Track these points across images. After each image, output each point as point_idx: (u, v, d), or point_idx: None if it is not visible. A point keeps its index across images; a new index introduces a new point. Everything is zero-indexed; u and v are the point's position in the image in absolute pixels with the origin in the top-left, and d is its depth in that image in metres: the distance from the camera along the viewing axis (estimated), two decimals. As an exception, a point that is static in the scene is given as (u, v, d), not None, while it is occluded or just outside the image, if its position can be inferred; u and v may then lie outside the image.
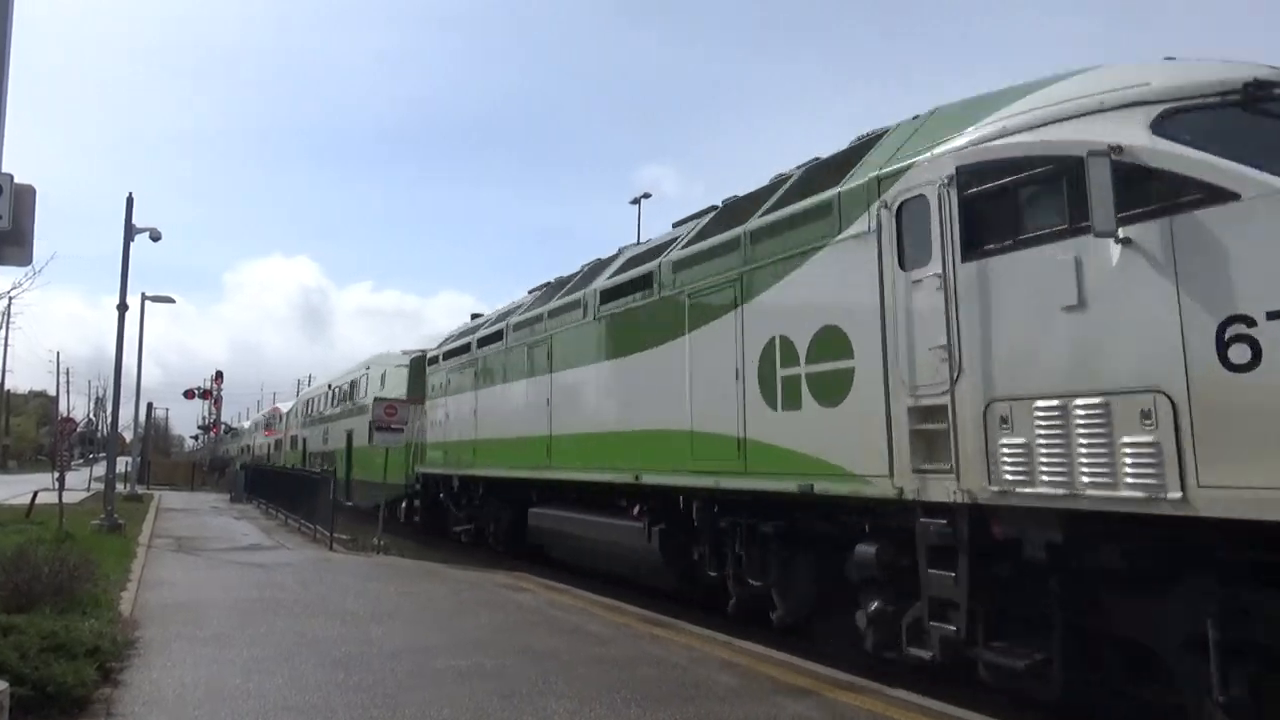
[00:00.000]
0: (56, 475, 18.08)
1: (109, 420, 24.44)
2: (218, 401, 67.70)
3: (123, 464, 34.89)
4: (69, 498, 18.29)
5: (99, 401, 59.90)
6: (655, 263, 9.73)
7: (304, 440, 34.08)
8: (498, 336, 14.33)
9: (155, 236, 20.12)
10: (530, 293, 14.87)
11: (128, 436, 40.36)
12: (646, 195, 33.65)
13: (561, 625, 8.50)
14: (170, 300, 29.21)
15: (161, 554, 14.22)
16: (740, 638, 7.86)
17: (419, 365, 19.37)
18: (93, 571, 8.68)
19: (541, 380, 12.31)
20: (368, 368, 24.82)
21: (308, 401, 35.44)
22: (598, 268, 12.05)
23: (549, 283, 14.17)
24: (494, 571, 12.99)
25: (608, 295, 10.74)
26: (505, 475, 13.50)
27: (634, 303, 10.04)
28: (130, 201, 19.52)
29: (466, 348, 15.86)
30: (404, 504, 19.56)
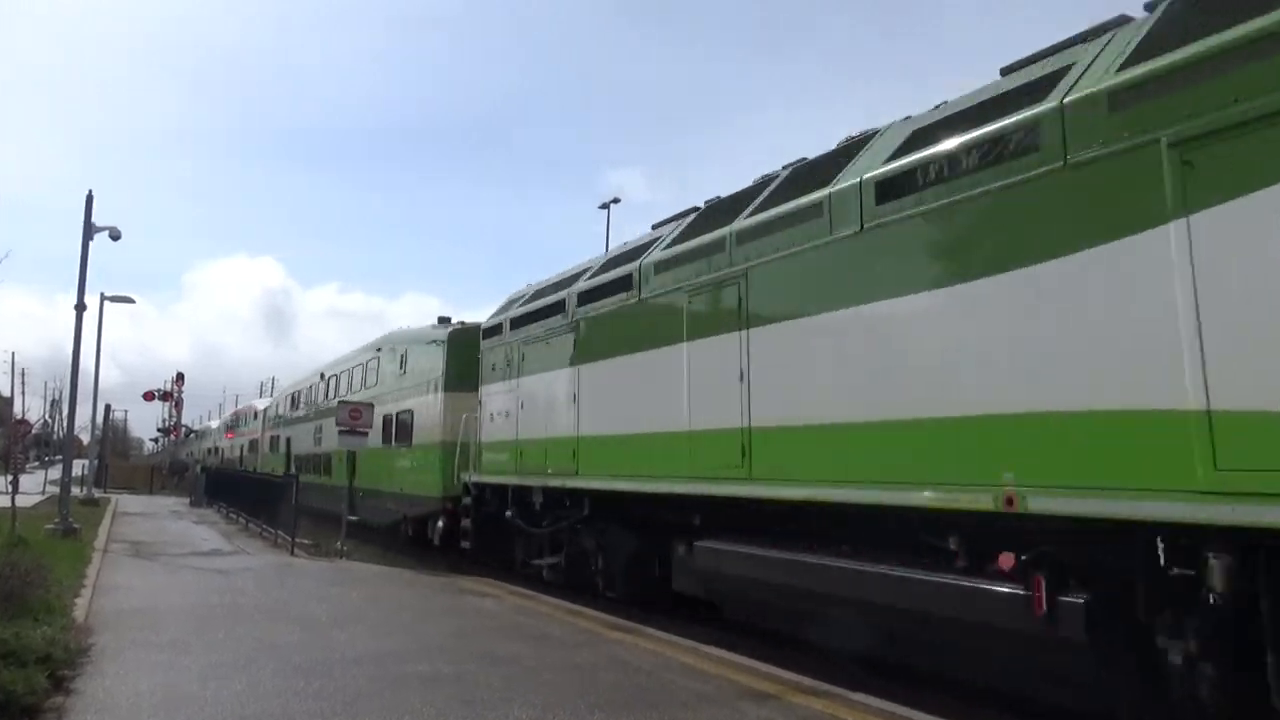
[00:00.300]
0: (10, 478, 17.66)
1: (65, 422, 23.91)
2: (178, 404, 66.64)
3: (79, 467, 34.20)
4: (23, 501, 17.89)
5: (55, 403, 58.67)
6: (1042, 107, 5.49)
7: (288, 441, 29.51)
8: (622, 285, 9.98)
9: (115, 235, 19.78)
10: (655, 227, 10.69)
11: (85, 439, 39.57)
12: (615, 200, 34.13)
13: (526, 631, 8.45)
14: (130, 300, 28.79)
15: (118, 559, 13.95)
16: (706, 643, 7.87)
17: (463, 341, 15.37)
18: (46, 577, 8.52)
19: (725, 341, 8.02)
20: (378, 350, 20.52)
21: (293, 395, 30.29)
22: (823, 164, 7.84)
23: (696, 208, 9.91)
24: (458, 577, 12.91)
25: (889, 187, 6.55)
26: (648, 490, 8.96)
27: (977, 188, 5.81)
28: (90, 199, 19.10)
29: (557, 307, 11.42)
30: (440, 522, 15.03)
